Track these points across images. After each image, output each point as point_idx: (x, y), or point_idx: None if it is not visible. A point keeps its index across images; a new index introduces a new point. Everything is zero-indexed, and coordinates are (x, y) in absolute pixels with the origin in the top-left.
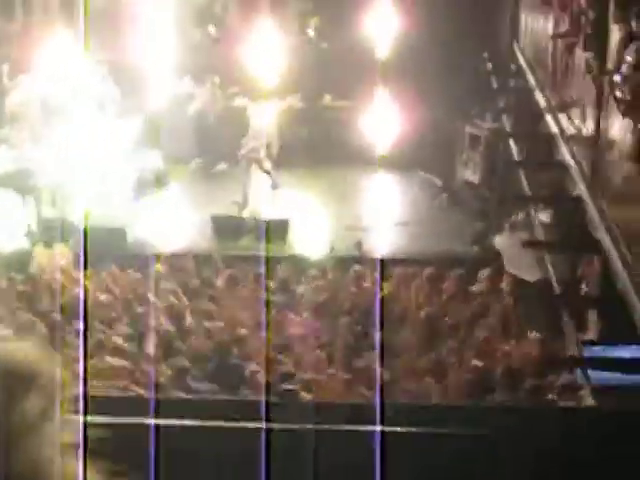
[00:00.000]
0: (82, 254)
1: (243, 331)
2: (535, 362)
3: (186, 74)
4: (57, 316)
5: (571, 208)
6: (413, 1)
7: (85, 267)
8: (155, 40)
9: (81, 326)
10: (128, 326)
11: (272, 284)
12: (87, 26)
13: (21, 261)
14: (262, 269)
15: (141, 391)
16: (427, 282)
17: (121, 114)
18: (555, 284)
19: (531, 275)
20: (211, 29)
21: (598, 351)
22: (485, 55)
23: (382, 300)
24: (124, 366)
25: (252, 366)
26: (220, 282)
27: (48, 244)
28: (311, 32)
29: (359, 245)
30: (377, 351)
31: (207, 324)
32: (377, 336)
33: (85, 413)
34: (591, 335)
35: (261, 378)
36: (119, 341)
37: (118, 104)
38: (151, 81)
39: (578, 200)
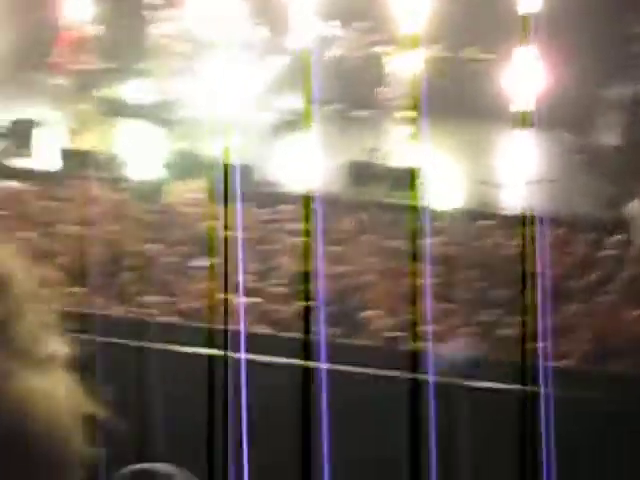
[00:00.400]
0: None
1: (368, 277)
2: None
3: (333, 18)
4: (185, 248)
5: None
6: None
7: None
8: None
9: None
10: (257, 263)
11: (400, 233)
12: None
13: (154, 192)
14: (391, 217)
15: (267, 330)
16: (556, 243)
17: (266, 53)
18: None
19: None
20: None
21: None
22: (631, 17)
23: (508, 257)
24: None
25: (374, 313)
26: (348, 226)
27: (182, 177)
28: None
29: (490, 200)
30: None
31: (333, 268)
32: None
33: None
34: None
35: (382, 325)
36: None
37: (264, 43)
38: (298, 22)
39: None
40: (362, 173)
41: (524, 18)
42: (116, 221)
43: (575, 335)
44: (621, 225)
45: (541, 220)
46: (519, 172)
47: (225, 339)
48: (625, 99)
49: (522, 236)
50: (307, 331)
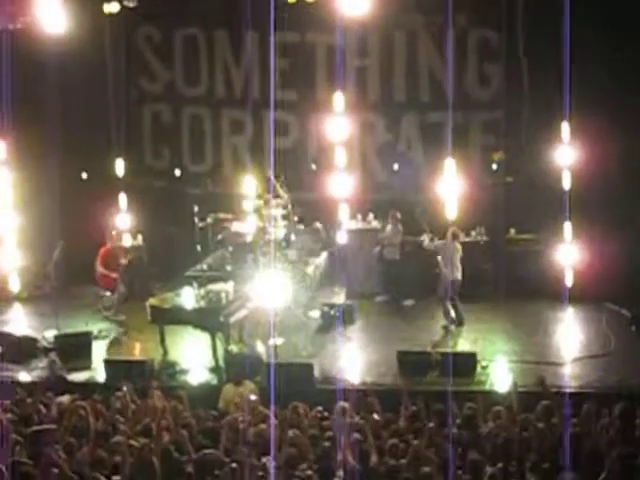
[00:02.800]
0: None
1: (426, 469)
2: None
3: (370, 210)
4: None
5: None
6: (600, 131)
7: (275, 403)
8: (340, 178)
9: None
10: (315, 462)
11: (458, 420)
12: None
13: (209, 396)
14: (447, 405)
15: None
16: (619, 418)
17: (308, 250)
18: None
19: None
20: (395, 165)
21: None
22: None
23: (572, 437)
24: None
25: None
26: (405, 418)
27: (234, 378)
28: (495, 166)
29: (544, 380)
30: None
31: (392, 461)
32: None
33: None
34: None
35: None
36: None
37: (304, 240)
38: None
39: None
40: (410, 362)
41: (562, 196)
42: (171, 430)
43: None
44: None
45: (599, 395)
46: (572, 349)
47: None
48: None
49: (581, 414)
50: None
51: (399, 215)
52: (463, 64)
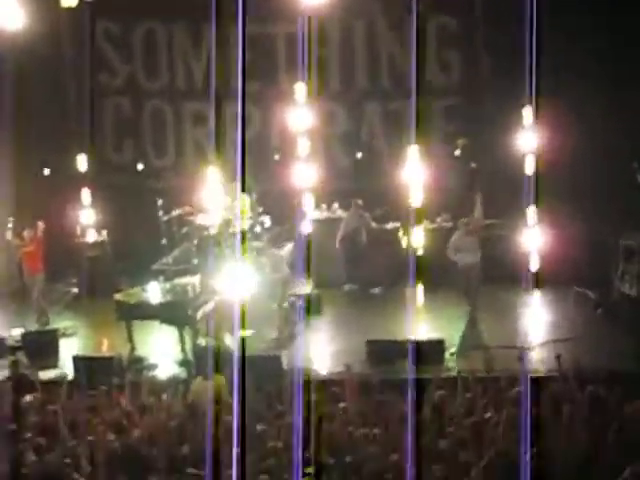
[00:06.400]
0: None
1: (395, 456)
2: None
3: (334, 200)
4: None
5: None
6: (560, 118)
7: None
8: (304, 168)
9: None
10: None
11: (425, 407)
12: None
13: (179, 390)
14: (414, 393)
15: None
16: (587, 400)
17: (273, 241)
18: None
19: None
20: (358, 155)
21: None
22: (637, 166)
23: (538, 418)
24: None
25: None
26: (373, 405)
27: (203, 373)
28: (458, 152)
29: (515, 363)
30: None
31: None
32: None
33: None
34: None
35: None
36: None
37: (269, 231)
38: (301, 208)
39: None
40: (379, 351)
41: (525, 181)
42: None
43: None
44: None
45: (567, 378)
46: (540, 332)
47: None
48: (635, 249)
49: (549, 396)
50: None
51: (360, 202)
52: (423, 51)
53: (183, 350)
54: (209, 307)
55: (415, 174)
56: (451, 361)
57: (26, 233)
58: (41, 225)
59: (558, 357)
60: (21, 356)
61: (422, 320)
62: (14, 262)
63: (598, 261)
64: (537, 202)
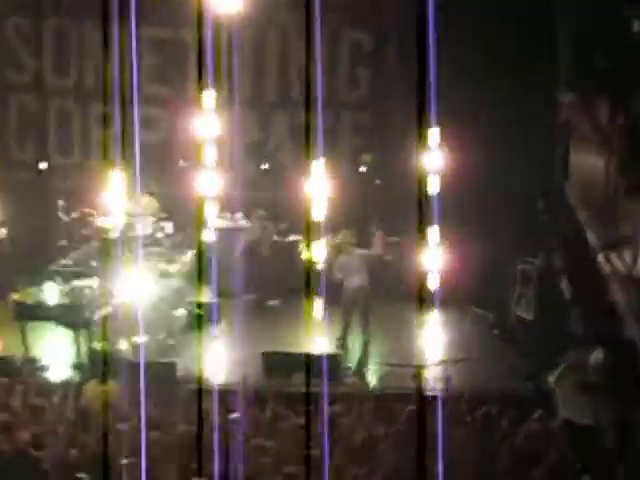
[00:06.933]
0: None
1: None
2: None
3: (238, 210)
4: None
5: (624, 350)
6: (465, 141)
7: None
8: (209, 176)
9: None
10: None
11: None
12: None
13: (71, 394)
14: (310, 405)
15: None
16: (481, 421)
17: (173, 249)
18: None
19: (584, 418)
20: (263, 165)
21: None
22: (536, 193)
23: (435, 436)
24: None
25: None
26: (267, 417)
27: (97, 377)
28: (364, 168)
29: (411, 382)
30: None
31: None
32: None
33: None
34: None
35: None
36: None
37: (171, 239)
38: (203, 216)
39: (631, 343)
40: (275, 363)
41: (428, 201)
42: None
43: None
44: (544, 398)
45: (463, 399)
46: (437, 351)
47: None
48: (534, 272)
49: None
50: None
51: (262, 212)
52: (334, 65)
53: (78, 353)
54: (106, 311)
55: (319, 188)
56: (346, 376)
57: None
58: None
59: (447, 379)
60: None
61: (318, 334)
62: None
63: (496, 283)
64: (437, 222)
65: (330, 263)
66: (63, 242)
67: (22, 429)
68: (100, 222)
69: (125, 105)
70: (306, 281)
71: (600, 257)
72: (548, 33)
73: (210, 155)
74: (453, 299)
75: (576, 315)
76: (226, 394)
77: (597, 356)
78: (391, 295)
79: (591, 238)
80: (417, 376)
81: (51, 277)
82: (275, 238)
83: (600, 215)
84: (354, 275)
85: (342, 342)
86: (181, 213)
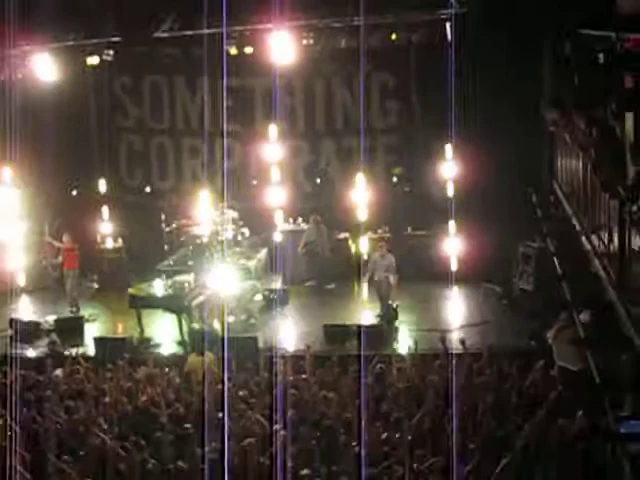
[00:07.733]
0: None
1: (348, 415)
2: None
3: (299, 216)
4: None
5: (605, 311)
6: (472, 154)
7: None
8: (275, 191)
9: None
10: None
11: (370, 377)
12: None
13: (177, 364)
14: (362, 365)
15: None
16: (496, 371)
17: (250, 248)
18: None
19: (576, 365)
20: (317, 181)
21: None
22: (531, 190)
23: (458, 386)
24: None
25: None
26: (329, 375)
27: (196, 350)
28: (395, 179)
29: (445, 339)
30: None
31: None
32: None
33: None
34: (627, 412)
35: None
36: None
37: (248, 240)
38: (273, 222)
39: (610, 305)
40: (333, 333)
41: (447, 201)
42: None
43: None
44: (544, 351)
45: (480, 354)
46: (458, 318)
47: None
48: (533, 254)
49: (466, 368)
50: None
51: (320, 218)
52: (368, 100)
53: (181, 332)
54: (201, 299)
55: (361, 196)
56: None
57: (65, 236)
58: (73, 232)
59: (463, 341)
60: (54, 337)
61: (366, 310)
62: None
63: (503, 263)
64: (455, 217)
65: (369, 256)
66: (165, 247)
67: (142, 393)
68: (194, 230)
69: (210, 139)
70: (356, 268)
71: (584, 239)
72: (535, 64)
73: (275, 175)
74: (469, 277)
75: (567, 285)
76: (296, 359)
77: (584, 316)
78: (420, 275)
79: (576, 225)
80: (443, 338)
81: (158, 275)
82: (329, 236)
83: (582, 207)
84: (379, 272)
85: (382, 316)
86: (255, 220)
